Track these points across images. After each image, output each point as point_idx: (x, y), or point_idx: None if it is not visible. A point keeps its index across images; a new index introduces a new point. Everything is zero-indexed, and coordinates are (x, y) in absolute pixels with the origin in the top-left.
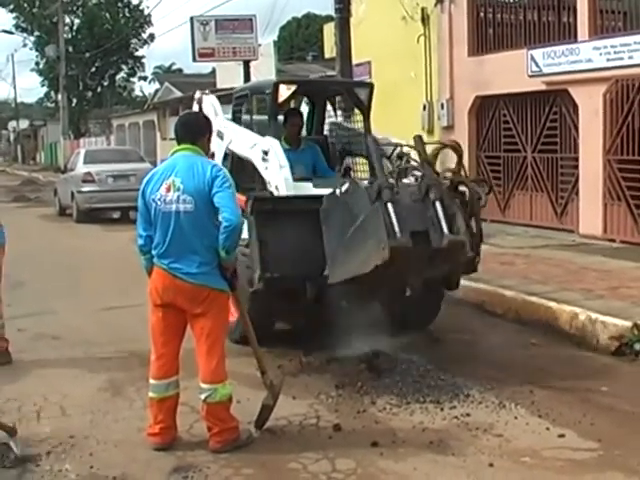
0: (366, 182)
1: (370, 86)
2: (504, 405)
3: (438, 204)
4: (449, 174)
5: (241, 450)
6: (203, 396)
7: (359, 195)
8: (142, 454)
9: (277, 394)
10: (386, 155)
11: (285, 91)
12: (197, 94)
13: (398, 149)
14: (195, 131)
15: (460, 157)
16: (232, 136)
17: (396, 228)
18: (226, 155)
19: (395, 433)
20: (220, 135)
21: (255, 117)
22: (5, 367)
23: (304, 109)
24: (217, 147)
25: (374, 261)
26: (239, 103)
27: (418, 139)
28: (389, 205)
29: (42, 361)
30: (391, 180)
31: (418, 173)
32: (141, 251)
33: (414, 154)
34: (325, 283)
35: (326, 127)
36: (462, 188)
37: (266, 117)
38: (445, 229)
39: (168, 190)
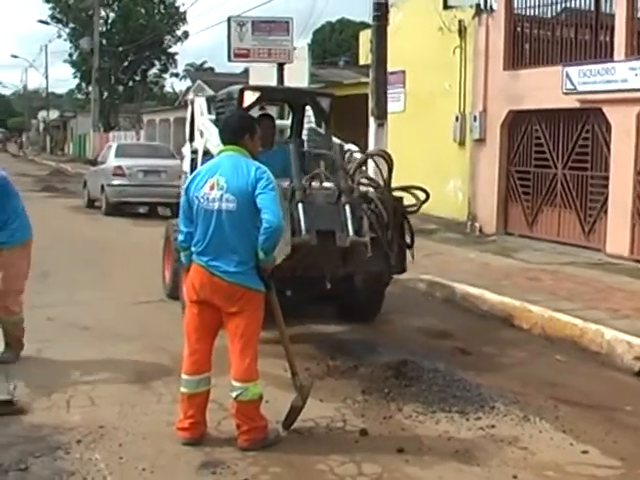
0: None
1: (331, 96)
2: (529, 419)
3: (347, 208)
4: (365, 180)
5: (269, 449)
6: (234, 394)
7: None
8: (171, 448)
9: (306, 396)
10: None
11: (250, 97)
12: (190, 96)
13: (347, 154)
14: (237, 131)
15: (390, 167)
16: (208, 135)
17: (302, 226)
18: (205, 153)
19: (421, 440)
20: (201, 134)
21: None
22: (36, 355)
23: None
24: (199, 144)
25: (280, 255)
26: (221, 106)
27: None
28: (300, 205)
29: (72, 351)
30: (304, 183)
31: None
32: (181, 247)
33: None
34: None
35: (305, 132)
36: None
37: None
38: (350, 230)
39: (212, 188)
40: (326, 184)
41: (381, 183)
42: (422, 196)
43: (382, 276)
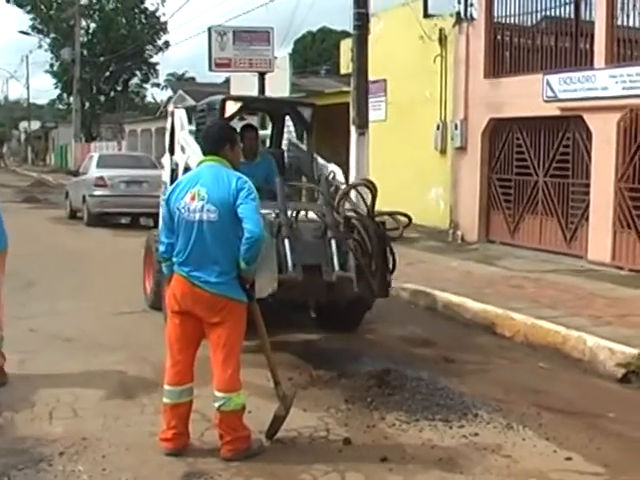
0: (273, 215)
1: (312, 106)
2: (512, 426)
3: (333, 242)
4: (352, 213)
5: (252, 459)
6: (217, 404)
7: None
8: (154, 458)
9: (289, 406)
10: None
11: (232, 107)
12: (170, 107)
13: (330, 176)
14: (217, 142)
15: (374, 195)
16: (190, 152)
17: (289, 262)
18: (186, 169)
19: (404, 449)
20: (182, 149)
21: None
22: (19, 367)
23: None
24: (180, 159)
25: (267, 290)
26: (201, 116)
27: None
28: (286, 241)
29: (55, 362)
30: (289, 215)
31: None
32: (162, 258)
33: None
34: None
35: (285, 142)
36: (380, 219)
37: None
38: (336, 265)
39: (193, 199)
40: (311, 215)
41: (364, 210)
42: (405, 221)
43: (365, 300)
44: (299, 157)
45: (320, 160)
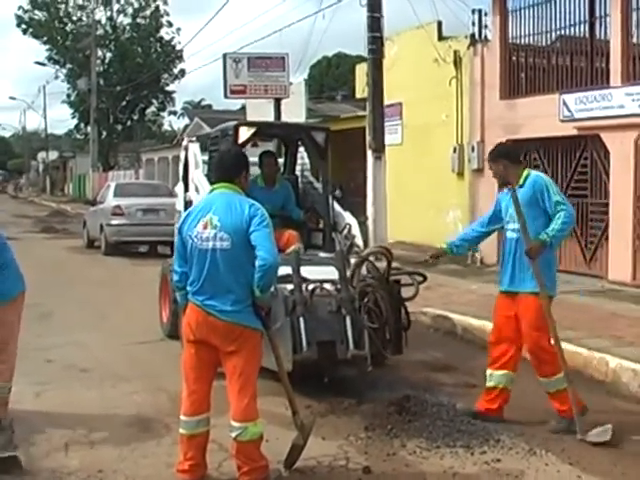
0: (287, 289)
1: (326, 130)
2: (535, 452)
3: (348, 319)
4: (368, 287)
5: None
6: (234, 434)
7: (277, 303)
8: None
9: (307, 434)
10: (338, 230)
11: (245, 133)
12: (184, 141)
13: (346, 230)
14: (232, 170)
15: (389, 262)
16: (203, 194)
17: (303, 341)
18: None
19: (425, 477)
20: (197, 189)
21: None
22: (34, 398)
23: None
24: (195, 199)
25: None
26: (214, 143)
27: (386, 250)
28: (301, 319)
29: (71, 393)
30: (305, 293)
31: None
32: (176, 287)
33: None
34: None
35: (298, 167)
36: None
37: None
38: (351, 343)
39: (205, 227)
40: (327, 285)
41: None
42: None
43: (378, 359)
44: (314, 196)
45: (337, 207)
